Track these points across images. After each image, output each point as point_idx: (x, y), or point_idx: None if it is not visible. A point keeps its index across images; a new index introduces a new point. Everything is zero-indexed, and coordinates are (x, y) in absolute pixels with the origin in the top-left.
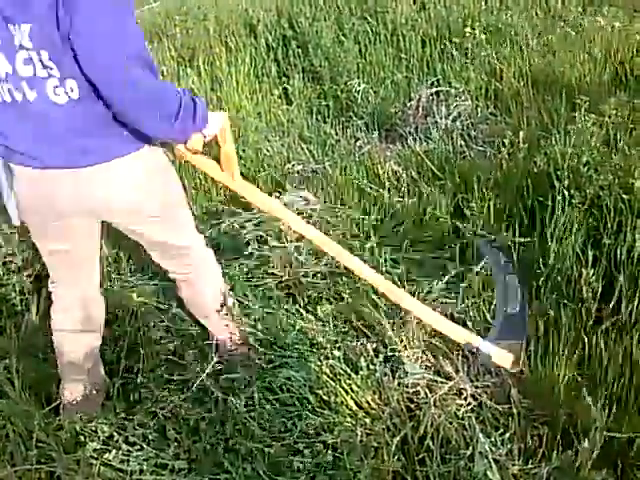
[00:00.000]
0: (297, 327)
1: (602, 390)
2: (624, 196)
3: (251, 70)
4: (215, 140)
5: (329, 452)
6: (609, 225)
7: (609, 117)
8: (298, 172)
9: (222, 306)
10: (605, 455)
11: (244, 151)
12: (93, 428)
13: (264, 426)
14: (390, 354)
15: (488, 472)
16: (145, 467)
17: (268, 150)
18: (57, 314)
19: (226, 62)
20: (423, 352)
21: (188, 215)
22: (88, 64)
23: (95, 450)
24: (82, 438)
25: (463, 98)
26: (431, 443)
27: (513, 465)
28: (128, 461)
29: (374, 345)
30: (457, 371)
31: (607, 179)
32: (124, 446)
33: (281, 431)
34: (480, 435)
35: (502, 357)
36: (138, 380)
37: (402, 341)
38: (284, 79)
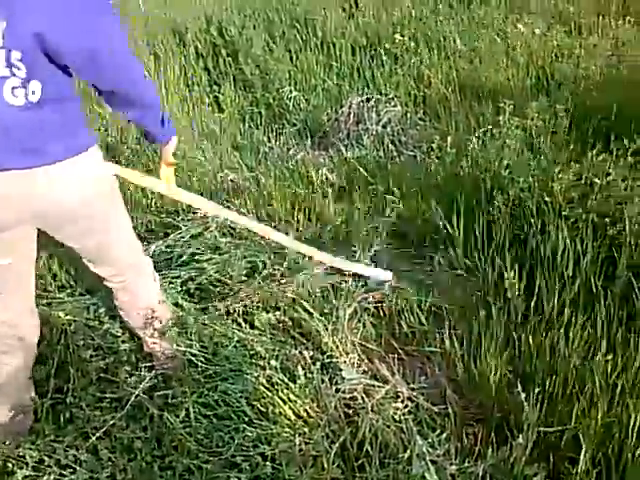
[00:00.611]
0: (235, 338)
1: (533, 386)
2: (547, 198)
3: (181, 79)
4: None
5: (267, 464)
6: (533, 226)
7: (532, 120)
8: (231, 180)
9: (153, 317)
10: (538, 449)
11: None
12: (21, 453)
13: (201, 442)
14: (327, 361)
15: (426, 474)
16: None
17: (200, 159)
18: None
19: (155, 71)
20: (359, 357)
21: (127, 222)
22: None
23: (25, 477)
24: (10, 466)
25: (393, 104)
26: (370, 448)
27: (450, 465)
28: None
29: (311, 353)
30: (393, 374)
31: (528, 181)
32: (56, 469)
33: (218, 445)
34: (417, 437)
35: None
36: (68, 400)
37: (337, 347)
38: (215, 87)
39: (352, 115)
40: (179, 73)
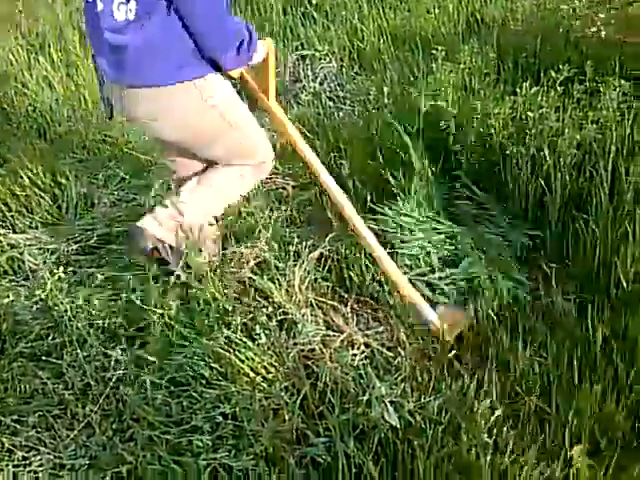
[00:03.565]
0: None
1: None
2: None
3: None
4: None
5: (229, 422)
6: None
7: (464, 64)
8: None
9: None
10: (490, 382)
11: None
12: None
13: (160, 410)
14: (282, 317)
15: (385, 414)
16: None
17: None
18: None
19: (80, 46)
20: (312, 311)
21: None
22: None
23: None
24: None
25: (328, 60)
26: (331, 397)
27: (408, 403)
28: (25, 466)
29: (269, 309)
30: (347, 323)
31: (464, 120)
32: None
33: (179, 412)
34: (376, 381)
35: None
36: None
37: (292, 304)
38: None
39: (288, 74)
40: None
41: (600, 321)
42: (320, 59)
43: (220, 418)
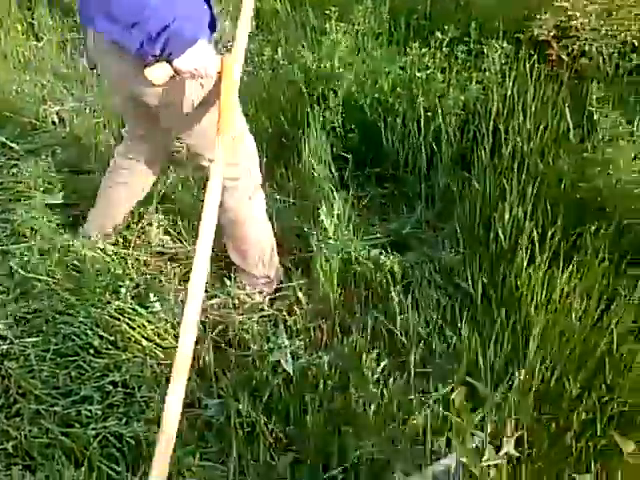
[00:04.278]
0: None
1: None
2: (376, 95)
3: None
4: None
5: (119, 389)
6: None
7: (358, 24)
8: (57, 113)
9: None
10: (376, 338)
11: None
12: None
13: (47, 382)
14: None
15: (282, 361)
16: None
17: (18, 92)
18: None
19: None
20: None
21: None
22: None
23: None
24: None
25: (224, 19)
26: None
27: (302, 357)
28: None
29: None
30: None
31: (359, 80)
32: None
33: (67, 384)
34: (275, 337)
35: None
36: None
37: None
38: (27, 13)
39: None
40: None
41: (480, 272)
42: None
43: (110, 387)
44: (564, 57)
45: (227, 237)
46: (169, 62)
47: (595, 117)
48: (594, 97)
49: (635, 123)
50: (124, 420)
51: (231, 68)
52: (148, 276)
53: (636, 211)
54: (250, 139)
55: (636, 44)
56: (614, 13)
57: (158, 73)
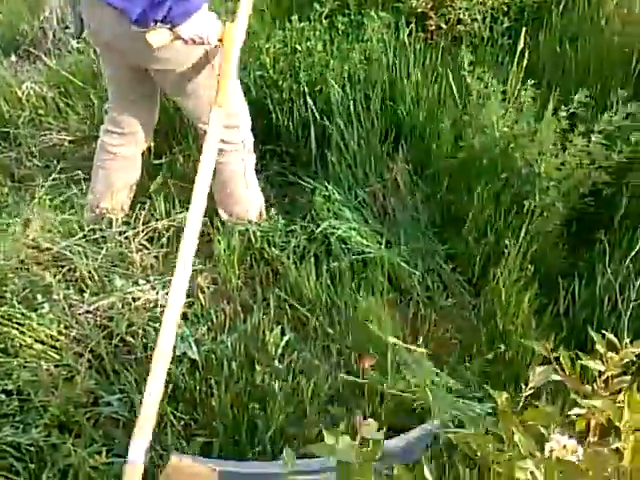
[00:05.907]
0: None
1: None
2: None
3: None
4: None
5: (14, 397)
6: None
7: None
8: None
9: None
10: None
11: None
12: None
13: None
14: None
15: (187, 351)
16: None
17: None
18: None
19: None
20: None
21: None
22: None
23: None
24: None
25: None
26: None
27: (205, 342)
28: None
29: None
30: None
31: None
32: None
33: None
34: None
35: None
36: None
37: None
38: None
39: (55, 20)
40: None
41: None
42: None
43: (3, 396)
44: (443, 26)
45: (219, 196)
46: (171, 28)
47: (468, 80)
48: (465, 61)
49: (508, 82)
50: (21, 428)
51: (232, 36)
52: (33, 277)
53: (512, 163)
54: (245, 105)
55: (505, 9)
56: None
57: (159, 38)
